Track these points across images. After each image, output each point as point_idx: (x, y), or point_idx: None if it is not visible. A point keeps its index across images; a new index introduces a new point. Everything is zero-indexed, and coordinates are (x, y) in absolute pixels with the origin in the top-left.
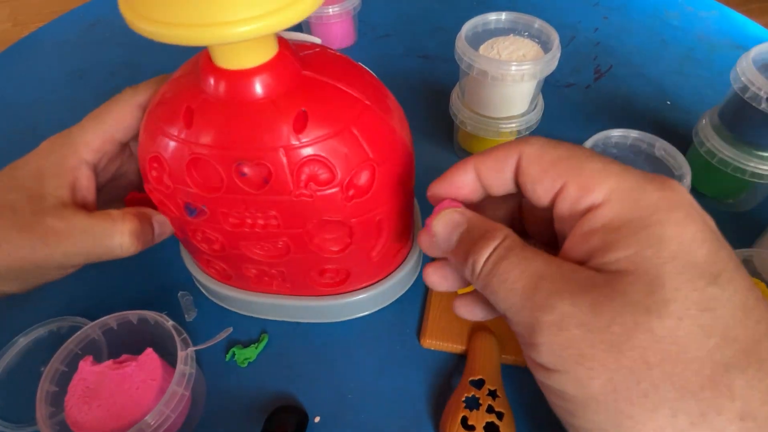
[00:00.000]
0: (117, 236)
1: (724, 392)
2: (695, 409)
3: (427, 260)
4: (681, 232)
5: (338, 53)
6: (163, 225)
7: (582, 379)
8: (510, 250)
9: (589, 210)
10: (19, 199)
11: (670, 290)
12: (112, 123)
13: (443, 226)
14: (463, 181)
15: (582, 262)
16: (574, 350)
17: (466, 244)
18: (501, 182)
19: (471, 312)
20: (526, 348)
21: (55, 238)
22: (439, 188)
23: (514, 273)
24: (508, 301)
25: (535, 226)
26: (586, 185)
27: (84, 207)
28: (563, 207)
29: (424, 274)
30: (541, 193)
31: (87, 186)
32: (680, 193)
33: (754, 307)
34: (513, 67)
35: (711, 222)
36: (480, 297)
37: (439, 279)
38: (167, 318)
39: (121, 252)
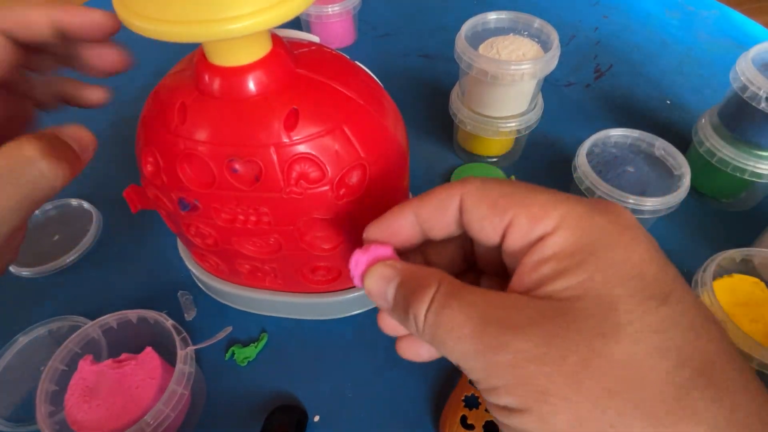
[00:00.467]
0: (35, 164)
1: (689, 415)
2: None
3: None
4: (630, 255)
5: (334, 52)
6: (80, 141)
7: (545, 415)
8: (450, 296)
9: (539, 239)
10: None
11: (622, 313)
12: (10, 15)
13: (375, 282)
14: (401, 226)
15: (532, 291)
16: (533, 387)
17: (404, 299)
18: (444, 225)
19: (416, 353)
20: (485, 394)
21: None
22: (374, 233)
23: (458, 320)
24: (458, 350)
25: (486, 261)
26: (535, 215)
27: None
28: (513, 240)
29: (378, 322)
30: (489, 230)
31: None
32: (626, 217)
33: (703, 325)
34: (513, 67)
35: (656, 243)
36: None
37: (391, 327)
38: (167, 317)
39: (48, 183)
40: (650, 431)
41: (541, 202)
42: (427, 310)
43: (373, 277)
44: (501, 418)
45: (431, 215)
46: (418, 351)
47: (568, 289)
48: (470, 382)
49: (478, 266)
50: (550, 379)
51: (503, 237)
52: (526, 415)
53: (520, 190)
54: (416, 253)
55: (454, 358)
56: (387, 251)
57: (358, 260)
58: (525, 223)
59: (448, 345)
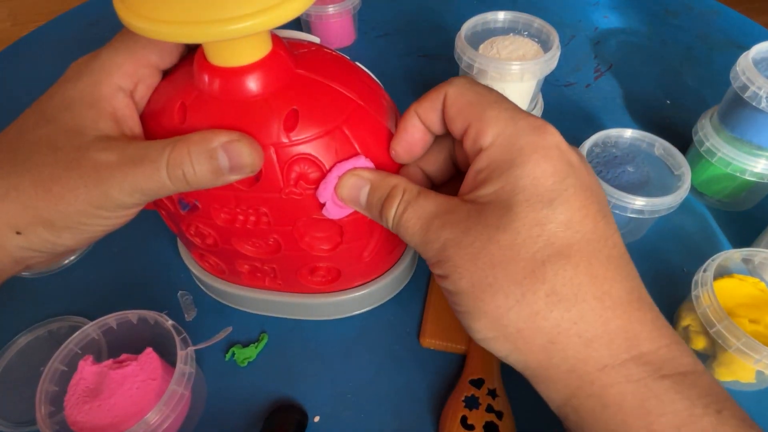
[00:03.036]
0: (162, 163)
1: (538, 279)
2: (519, 292)
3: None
4: (533, 171)
5: (334, 52)
6: (236, 157)
7: (455, 280)
8: (408, 203)
9: (479, 152)
10: (54, 134)
11: (515, 213)
12: (146, 43)
13: (348, 190)
14: (414, 129)
15: (467, 195)
16: (451, 263)
17: (377, 206)
18: (437, 121)
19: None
20: (431, 267)
21: (108, 172)
22: (398, 144)
23: (412, 221)
24: (413, 242)
25: (465, 165)
26: (480, 130)
27: (133, 139)
28: (467, 146)
29: None
30: (454, 130)
31: (130, 115)
32: (548, 136)
33: (577, 220)
34: (513, 67)
35: (573, 157)
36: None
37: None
38: (167, 318)
39: (173, 186)
40: (511, 288)
41: (488, 118)
42: (394, 215)
43: (345, 186)
44: (438, 281)
45: (427, 111)
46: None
47: (486, 195)
48: (471, 382)
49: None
50: (461, 258)
51: (462, 139)
52: (447, 280)
53: (483, 100)
54: (413, 165)
55: (412, 245)
56: (360, 161)
57: (340, 168)
58: (473, 133)
59: (407, 238)
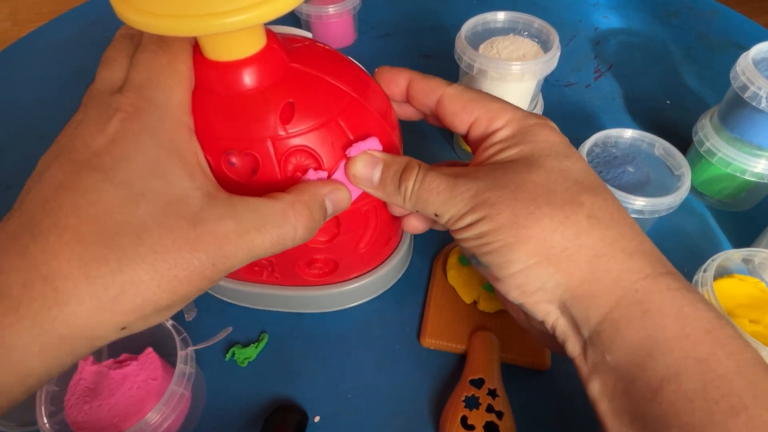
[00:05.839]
0: (290, 226)
1: (578, 204)
2: (562, 215)
3: (418, 253)
4: (548, 137)
5: (326, 47)
6: (337, 202)
7: (494, 216)
8: (427, 171)
9: (492, 132)
10: (162, 210)
11: (542, 161)
12: (186, 70)
13: (362, 167)
14: (398, 81)
15: (484, 163)
16: (489, 203)
17: (393, 180)
18: (422, 104)
19: (412, 225)
20: (454, 224)
21: (231, 246)
22: (383, 72)
23: (436, 182)
24: (437, 201)
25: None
26: (491, 117)
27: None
28: (476, 131)
29: (405, 225)
30: (458, 123)
31: (203, 158)
32: (550, 123)
33: (591, 172)
34: (513, 67)
35: (566, 138)
36: (420, 214)
37: (417, 222)
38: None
39: (294, 243)
40: (554, 212)
41: (496, 108)
42: (414, 182)
43: (360, 162)
44: (464, 234)
45: (418, 92)
46: (414, 224)
47: (509, 156)
48: (471, 382)
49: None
50: (498, 197)
51: (469, 128)
52: (483, 221)
53: (483, 98)
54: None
55: (433, 210)
56: (374, 143)
57: (352, 150)
58: (485, 120)
59: (430, 199)
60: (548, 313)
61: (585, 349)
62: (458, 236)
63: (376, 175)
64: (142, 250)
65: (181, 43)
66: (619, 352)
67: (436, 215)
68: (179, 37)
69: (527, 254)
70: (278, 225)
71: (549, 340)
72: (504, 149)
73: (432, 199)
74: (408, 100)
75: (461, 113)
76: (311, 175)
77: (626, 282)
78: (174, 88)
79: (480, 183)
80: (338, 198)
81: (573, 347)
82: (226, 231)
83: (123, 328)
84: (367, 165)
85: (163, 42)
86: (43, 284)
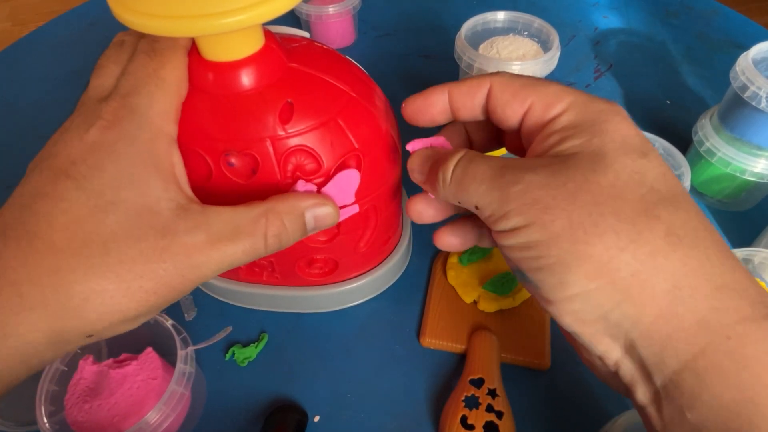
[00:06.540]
0: (260, 236)
1: (653, 219)
2: (633, 230)
3: (418, 253)
4: (620, 128)
5: (325, 46)
6: (321, 219)
7: (546, 223)
8: (474, 156)
9: (551, 119)
10: (128, 221)
11: (610, 159)
12: (176, 80)
13: (418, 161)
14: (437, 100)
15: (543, 154)
16: (540, 204)
17: (435, 165)
18: (470, 107)
19: (448, 242)
20: (497, 224)
21: (201, 256)
22: (414, 101)
23: (482, 168)
24: (479, 191)
25: (511, 147)
26: (549, 102)
27: (194, 199)
28: (532, 121)
29: (409, 207)
30: (510, 114)
31: (182, 170)
32: (620, 108)
33: (671, 176)
34: (513, 67)
35: (640, 130)
36: (457, 226)
37: (422, 207)
38: (167, 317)
39: (266, 252)
40: (622, 226)
41: (554, 91)
42: (455, 166)
43: (417, 157)
44: (507, 241)
45: (463, 95)
46: (449, 239)
47: (571, 147)
48: (471, 382)
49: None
50: (553, 198)
51: (522, 119)
52: (531, 227)
53: (538, 82)
54: (460, 131)
55: (474, 200)
56: (439, 140)
57: (415, 144)
58: (540, 108)
59: (472, 187)
60: (609, 350)
61: (657, 400)
62: (501, 242)
63: (426, 167)
64: (108, 259)
65: (172, 50)
66: (706, 411)
67: (477, 208)
68: (171, 44)
69: (587, 276)
70: (250, 234)
71: (610, 378)
72: (565, 139)
73: (474, 187)
74: (453, 113)
75: (512, 101)
76: (300, 186)
77: (716, 324)
78: (157, 96)
79: (532, 176)
80: (322, 213)
81: (642, 395)
82: (196, 242)
83: (89, 336)
84: (420, 158)
85: (152, 50)
86: (10, 289)
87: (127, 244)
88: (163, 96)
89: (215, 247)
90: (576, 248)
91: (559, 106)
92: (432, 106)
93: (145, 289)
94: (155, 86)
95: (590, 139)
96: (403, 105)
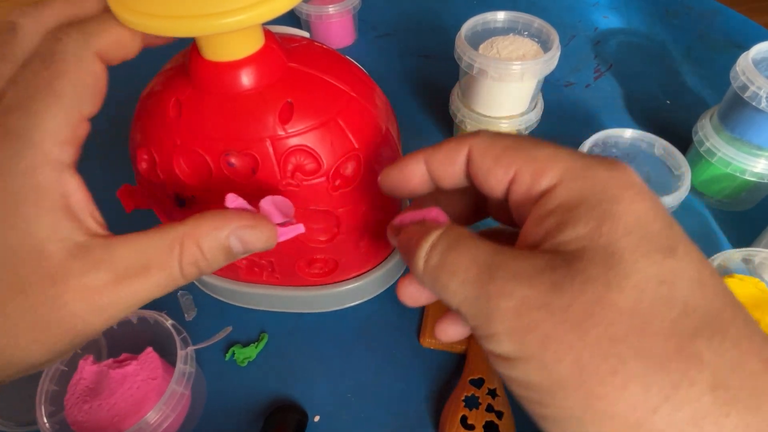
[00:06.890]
0: (175, 265)
1: (693, 362)
2: (667, 382)
3: None
4: (634, 208)
5: (324, 46)
6: (249, 243)
7: (547, 363)
8: (458, 239)
9: (543, 194)
10: (10, 268)
11: (628, 264)
12: (73, 93)
13: (397, 242)
14: (414, 172)
15: (539, 245)
16: (537, 333)
17: (412, 248)
18: (451, 175)
19: (453, 332)
20: (484, 341)
21: (105, 299)
22: (389, 175)
23: (464, 263)
24: (460, 295)
25: (498, 214)
26: (538, 170)
27: (102, 233)
28: (518, 194)
29: (399, 290)
30: (493, 183)
31: (84, 198)
32: (630, 173)
33: (709, 280)
34: (513, 67)
35: (659, 201)
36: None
37: (415, 289)
38: (167, 317)
39: (184, 281)
40: (651, 377)
41: (544, 156)
42: (431, 250)
43: (394, 234)
44: (499, 368)
45: (441, 163)
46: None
47: (572, 241)
48: (471, 382)
49: (496, 220)
50: (554, 326)
51: (507, 190)
52: (528, 363)
53: (525, 144)
54: (431, 201)
55: (455, 303)
56: (432, 212)
57: (403, 218)
58: (528, 176)
59: (451, 288)
60: None
61: None
62: (493, 363)
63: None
64: None
65: (75, 56)
66: None
67: (459, 311)
68: (76, 48)
69: None
70: (162, 266)
71: None
72: (564, 224)
73: (454, 287)
74: (435, 182)
75: (495, 168)
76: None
77: None
78: (46, 114)
79: (528, 288)
80: (251, 238)
81: None
82: (97, 284)
83: None
84: (404, 241)
85: (51, 53)
86: None
87: (10, 296)
88: (56, 114)
89: (123, 285)
90: (590, 404)
91: (550, 175)
92: (409, 179)
93: (42, 341)
94: (45, 102)
95: (597, 227)
96: (379, 179)
